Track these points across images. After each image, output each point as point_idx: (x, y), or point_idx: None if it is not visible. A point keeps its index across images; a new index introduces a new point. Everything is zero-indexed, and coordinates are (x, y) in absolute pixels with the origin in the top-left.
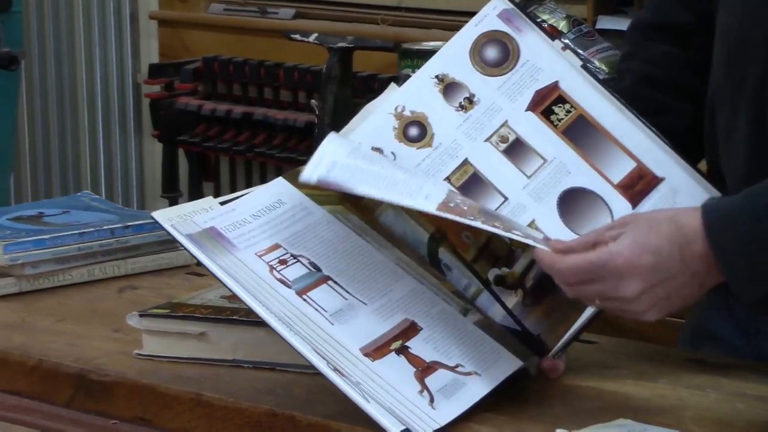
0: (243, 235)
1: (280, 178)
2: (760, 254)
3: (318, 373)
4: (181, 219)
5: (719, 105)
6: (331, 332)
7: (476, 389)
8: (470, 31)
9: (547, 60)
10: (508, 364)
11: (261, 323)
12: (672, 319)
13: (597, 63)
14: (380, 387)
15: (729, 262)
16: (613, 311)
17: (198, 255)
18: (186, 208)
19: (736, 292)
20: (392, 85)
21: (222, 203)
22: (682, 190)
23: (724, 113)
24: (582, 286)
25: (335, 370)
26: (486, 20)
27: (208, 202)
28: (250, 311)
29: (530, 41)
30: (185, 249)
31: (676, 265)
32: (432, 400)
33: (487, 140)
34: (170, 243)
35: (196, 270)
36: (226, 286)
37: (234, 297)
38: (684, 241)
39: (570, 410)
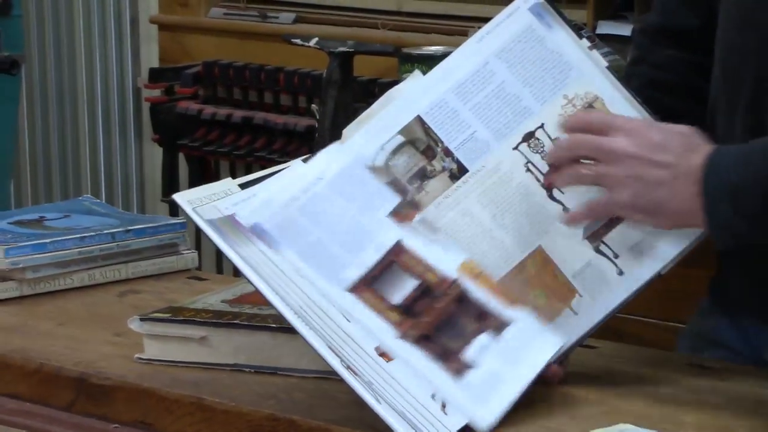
0: (269, 219)
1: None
2: (740, 191)
3: (320, 378)
4: (201, 202)
5: (718, 112)
6: (348, 330)
7: (508, 390)
8: (503, 21)
9: (574, 59)
10: (543, 351)
11: (262, 327)
12: (673, 324)
13: None
14: (392, 388)
15: (711, 189)
16: (591, 175)
17: (218, 242)
18: (206, 190)
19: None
20: (416, 72)
21: (241, 185)
22: None
23: (723, 121)
24: (580, 135)
25: (348, 368)
26: (517, 13)
27: (227, 184)
28: (251, 316)
29: (559, 39)
30: (206, 235)
31: (670, 158)
32: (443, 406)
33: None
34: (171, 247)
35: (197, 274)
36: (244, 275)
37: (235, 301)
38: (689, 148)
39: (571, 415)
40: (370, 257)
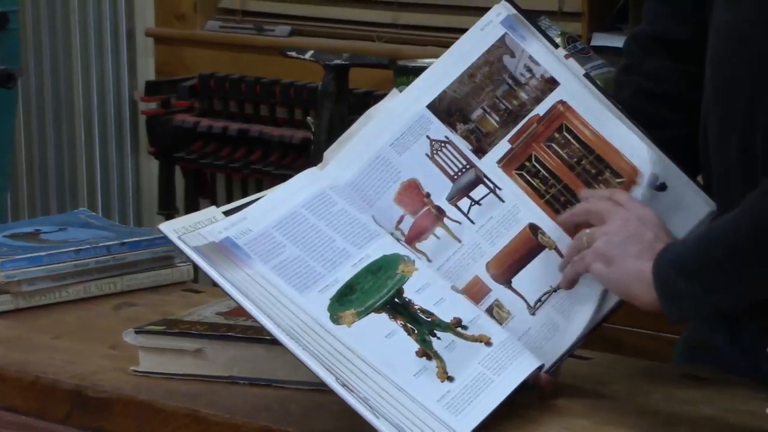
0: (252, 241)
1: (299, 176)
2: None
3: (314, 390)
4: (186, 231)
5: (711, 129)
6: (338, 347)
7: (490, 399)
8: (476, 34)
9: (550, 70)
10: (523, 367)
11: (256, 340)
12: (667, 335)
13: None
14: (387, 402)
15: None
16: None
17: (206, 268)
18: (191, 219)
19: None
20: (394, 90)
21: (225, 213)
22: (683, 201)
23: (715, 138)
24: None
25: (344, 385)
26: (490, 26)
27: (212, 212)
28: (245, 328)
29: (534, 50)
30: (194, 262)
31: (656, 230)
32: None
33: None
34: (166, 260)
35: (192, 287)
36: (235, 300)
37: (230, 313)
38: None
39: (563, 426)
40: (346, 273)
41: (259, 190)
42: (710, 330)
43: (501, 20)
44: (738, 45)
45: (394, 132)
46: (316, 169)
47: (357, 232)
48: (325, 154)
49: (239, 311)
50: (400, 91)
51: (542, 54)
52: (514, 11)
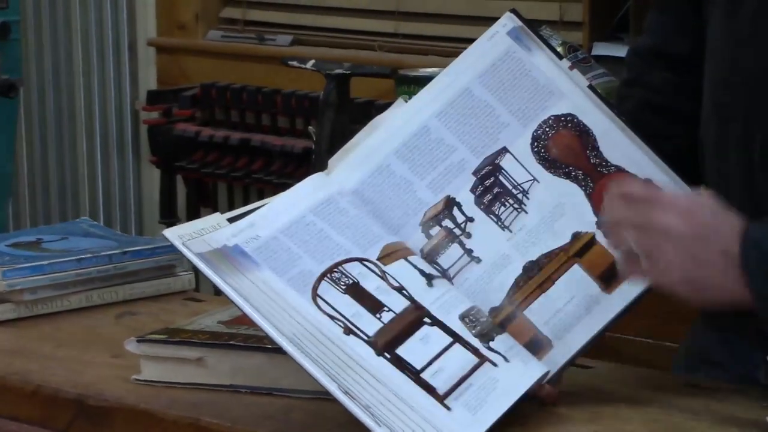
0: (261, 248)
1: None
2: None
3: (316, 398)
4: (191, 237)
5: (708, 146)
6: (340, 355)
7: (493, 408)
8: (483, 45)
9: (555, 80)
10: (527, 376)
11: (258, 348)
12: (667, 344)
13: None
14: (389, 411)
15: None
16: (645, 247)
17: (209, 274)
18: (195, 225)
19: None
20: (400, 99)
21: (230, 219)
22: None
23: (712, 149)
24: (633, 206)
25: (346, 393)
26: (497, 37)
27: (216, 219)
28: (247, 336)
29: (539, 61)
30: (197, 269)
31: (725, 243)
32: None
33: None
34: (168, 269)
35: (194, 296)
36: (238, 307)
37: (231, 322)
38: (733, 227)
39: None
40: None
41: (261, 199)
42: (709, 339)
43: (507, 31)
44: (732, 66)
45: (405, 137)
46: (322, 174)
47: (365, 237)
48: (330, 162)
49: (241, 320)
50: (405, 101)
51: (547, 66)
52: (520, 23)
